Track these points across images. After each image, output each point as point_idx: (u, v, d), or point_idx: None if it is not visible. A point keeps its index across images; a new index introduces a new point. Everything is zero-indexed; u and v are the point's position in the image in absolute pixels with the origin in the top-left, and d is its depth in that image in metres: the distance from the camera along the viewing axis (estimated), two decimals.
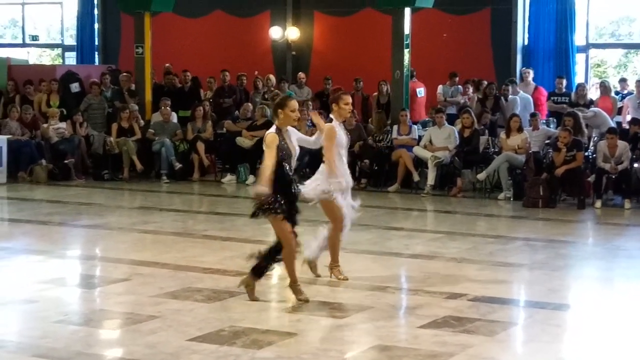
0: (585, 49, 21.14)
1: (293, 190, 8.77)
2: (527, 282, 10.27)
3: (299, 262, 9.19)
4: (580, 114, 16.71)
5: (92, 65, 24.34)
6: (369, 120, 18.99)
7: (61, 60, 26.79)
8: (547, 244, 12.23)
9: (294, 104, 8.71)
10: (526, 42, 21.17)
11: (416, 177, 17.06)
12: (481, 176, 16.54)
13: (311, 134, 10.16)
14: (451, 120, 17.95)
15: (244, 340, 7.60)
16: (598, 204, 15.29)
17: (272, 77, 20.72)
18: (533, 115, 17.28)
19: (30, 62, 25.22)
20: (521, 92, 18.82)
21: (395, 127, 17.69)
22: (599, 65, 23.22)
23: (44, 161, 18.45)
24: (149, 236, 12.68)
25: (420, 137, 17.51)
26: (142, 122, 19.34)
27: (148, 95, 20.15)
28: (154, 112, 19.70)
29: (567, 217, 14.56)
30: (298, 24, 23.00)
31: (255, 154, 17.11)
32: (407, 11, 18.18)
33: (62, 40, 26.92)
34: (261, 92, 20.23)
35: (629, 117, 17.70)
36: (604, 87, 18.48)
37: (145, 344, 7.52)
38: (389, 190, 17.13)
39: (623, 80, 19.75)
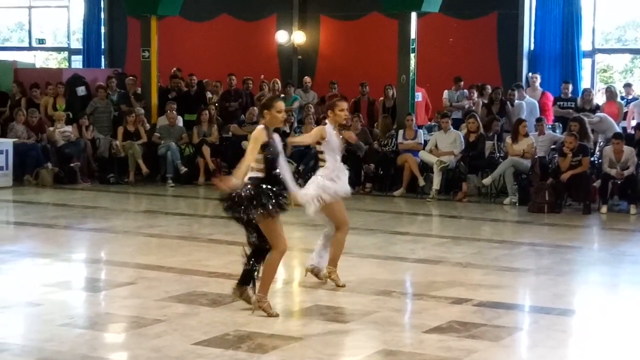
0: (591, 54, 21.14)
1: (281, 191, 8.54)
2: (532, 288, 10.26)
3: (287, 268, 9.17)
4: (586, 119, 16.70)
5: (99, 69, 24.40)
6: (375, 124, 18.99)
7: (67, 64, 26.85)
8: (552, 249, 12.22)
9: (281, 104, 8.57)
10: (532, 47, 21.17)
11: (421, 182, 17.06)
12: (487, 181, 16.53)
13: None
14: (456, 124, 17.96)
15: (249, 345, 7.60)
16: (604, 209, 15.29)
17: (278, 81, 20.74)
18: (539, 120, 17.27)
19: (37, 66, 25.29)
20: (527, 96, 18.81)
21: (400, 132, 17.69)
22: (605, 71, 23.21)
23: (50, 164, 18.49)
24: (155, 240, 12.68)
25: (425, 142, 17.52)
26: (148, 126, 19.36)
27: (154, 99, 20.17)
28: (159, 115, 19.72)
29: (572, 222, 14.54)
30: (304, 28, 23.03)
31: None
32: (414, 16, 18.19)
33: (68, 44, 26.97)
34: (267, 96, 20.24)
35: (634, 122, 17.69)
36: (610, 93, 18.47)
37: (151, 347, 7.53)
38: (394, 195, 17.13)
39: (628, 85, 19.75)
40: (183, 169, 18.45)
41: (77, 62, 26.32)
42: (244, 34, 23.30)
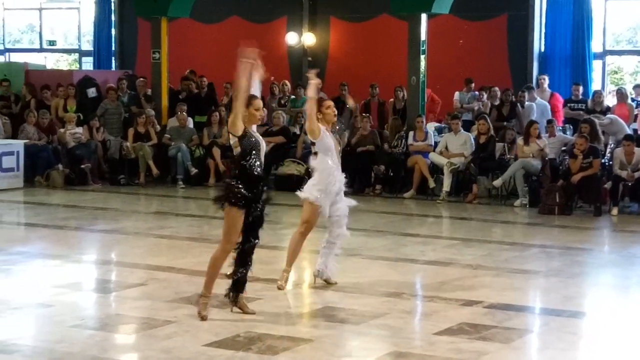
0: (602, 55, 21.08)
1: (259, 188, 8.47)
2: (542, 290, 10.24)
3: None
4: (596, 120, 16.67)
5: (109, 71, 24.43)
6: (385, 126, 18.98)
7: (78, 66, 26.89)
8: (563, 251, 12.20)
9: (259, 102, 8.54)
10: (543, 49, 21.13)
11: (432, 184, 17.05)
12: (497, 183, 16.52)
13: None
14: (467, 126, 17.93)
15: (260, 346, 7.61)
16: (614, 211, 15.25)
17: (288, 82, 20.75)
18: (549, 122, 17.24)
19: (48, 67, 25.31)
20: (538, 98, 18.78)
21: (411, 133, 17.68)
22: (615, 72, 23.15)
23: (60, 166, 18.52)
24: (165, 241, 12.69)
25: (436, 144, 17.51)
26: (158, 127, 19.39)
27: (164, 101, 20.21)
28: (170, 117, 19.75)
29: (583, 224, 14.52)
30: (314, 29, 23.03)
31: (270, 159, 17.11)
32: (424, 17, 18.17)
33: (79, 46, 27.02)
34: (277, 97, 20.26)
35: None
36: (621, 94, 18.42)
37: (161, 349, 7.54)
38: (404, 197, 17.12)
39: (639, 87, 19.68)
40: (193, 171, 18.47)
41: (88, 63, 26.36)
42: (254, 35, 23.25)
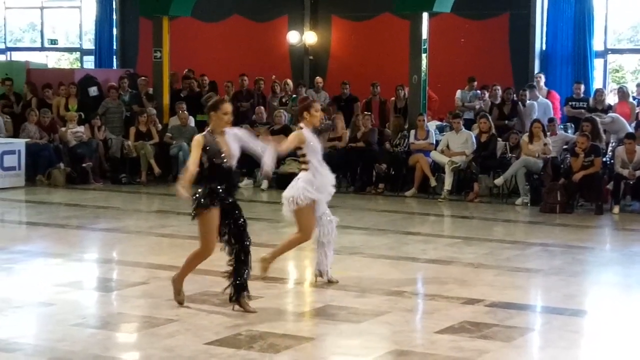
0: (603, 54, 21.07)
1: (231, 182, 8.62)
2: (544, 288, 10.24)
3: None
4: (598, 119, 16.67)
5: (110, 69, 24.44)
6: (387, 124, 18.99)
7: (79, 64, 26.91)
8: (564, 249, 12.19)
9: (227, 107, 8.56)
10: (544, 47, 21.13)
11: (433, 182, 17.05)
12: (498, 181, 16.52)
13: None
14: (468, 125, 17.93)
15: (261, 345, 7.61)
16: (616, 209, 15.25)
17: (289, 81, 20.76)
18: (551, 120, 17.24)
19: (49, 66, 25.32)
20: (540, 97, 18.77)
21: (412, 132, 17.68)
22: (617, 71, 23.14)
23: (62, 165, 18.54)
24: (166, 240, 12.70)
25: (437, 142, 17.51)
26: (159, 126, 19.39)
27: (166, 100, 20.22)
28: (171, 116, 19.76)
29: (584, 222, 14.52)
30: (316, 28, 23.03)
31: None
32: (425, 16, 18.17)
33: (80, 44, 27.03)
34: (278, 96, 20.27)
35: None
36: (622, 93, 18.41)
37: (163, 347, 7.54)
38: (405, 195, 17.12)
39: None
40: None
41: (89, 62, 26.37)
42: (255, 34, 23.31)
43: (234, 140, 8.57)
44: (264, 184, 17.74)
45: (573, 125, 17.94)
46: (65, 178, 18.41)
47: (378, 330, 8.20)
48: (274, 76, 21.13)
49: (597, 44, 20.78)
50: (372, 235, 12.98)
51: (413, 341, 7.91)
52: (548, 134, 16.73)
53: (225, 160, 8.45)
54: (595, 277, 11.00)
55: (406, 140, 17.68)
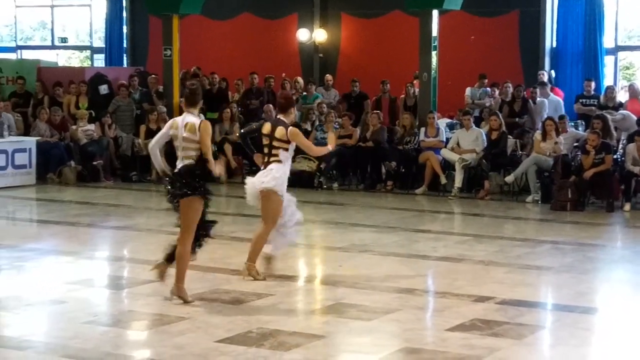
0: (614, 51, 21.03)
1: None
2: (555, 286, 10.23)
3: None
4: (609, 116, 16.63)
5: (121, 68, 24.49)
6: (396, 122, 18.97)
7: (90, 63, 26.97)
8: (575, 247, 12.17)
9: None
10: (554, 45, 21.10)
11: (443, 180, 17.03)
12: (509, 179, 16.49)
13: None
14: (476, 123, 17.89)
15: (272, 342, 7.62)
16: (627, 207, 15.20)
17: (299, 79, 20.76)
18: (561, 117, 17.20)
19: (60, 64, 25.38)
20: (552, 94, 18.74)
21: (422, 130, 17.66)
22: (628, 68, 23.09)
23: (72, 163, 18.57)
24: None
25: (447, 140, 17.49)
26: None
27: (176, 97, 20.21)
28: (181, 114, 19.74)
29: (595, 220, 14.49)
30: (325, 26, 23.03)
31: None
32: (435, 13, 18.15)
33: (90, 43, 27.09)
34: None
35: None
36: (633, 90, 18.39)
37: (174, 345, 7.56)
38: (416, 193, 17.10)
39: None
40: None
41: (100, 60, 26.45)
42: (265, 32, 23.34)
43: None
44: None
45: (584, 123, 17.90)
46: (76, 176, 18.44)
47: (388, 327, 8.20)
48: (284, 74, 21.14)
49: (608, 41, 20.75)
50: (382, 233, 12.98)
51: (424, 339, 7.91)
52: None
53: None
54: (606, 275, 10.98)
55: (416, 137, 17.66)
